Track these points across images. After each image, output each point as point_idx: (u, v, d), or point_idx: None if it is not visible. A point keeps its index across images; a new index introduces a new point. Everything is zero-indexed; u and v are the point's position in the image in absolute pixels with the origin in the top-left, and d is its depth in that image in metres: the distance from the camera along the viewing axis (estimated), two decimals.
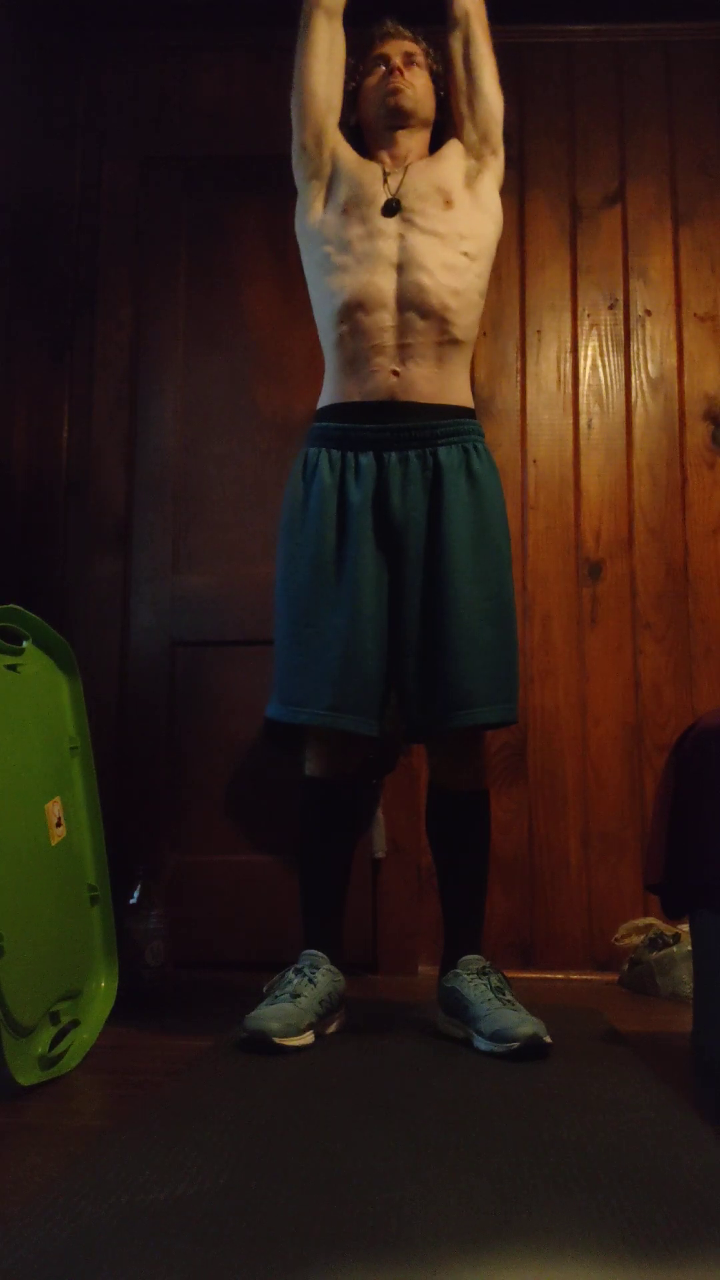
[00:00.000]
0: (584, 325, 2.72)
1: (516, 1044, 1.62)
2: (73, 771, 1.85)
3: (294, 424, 2.67)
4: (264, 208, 2.74)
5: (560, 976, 2.44)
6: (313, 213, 1.99)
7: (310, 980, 1.78)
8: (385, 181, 1.94)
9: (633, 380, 2.70)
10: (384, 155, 2.01)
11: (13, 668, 1.73)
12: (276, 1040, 1.65)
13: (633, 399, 2.69)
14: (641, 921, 2.37)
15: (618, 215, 2.75)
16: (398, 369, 1.85)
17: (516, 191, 2.74)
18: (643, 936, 2.33)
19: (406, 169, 1.96)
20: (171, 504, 2.69)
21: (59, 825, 1.74)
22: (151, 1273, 0.89)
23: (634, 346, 2.71)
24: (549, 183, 2.76)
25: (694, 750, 1.65)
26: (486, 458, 1.89)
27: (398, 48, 2.02)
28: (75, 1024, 1.68)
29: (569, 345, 2.71)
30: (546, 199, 2.76)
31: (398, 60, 2.00)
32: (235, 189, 2.78)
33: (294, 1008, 1.72)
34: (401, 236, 1.88)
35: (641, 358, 2.70)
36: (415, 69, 2.01)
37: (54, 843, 1.72)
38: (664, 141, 2.76)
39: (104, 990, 1.82)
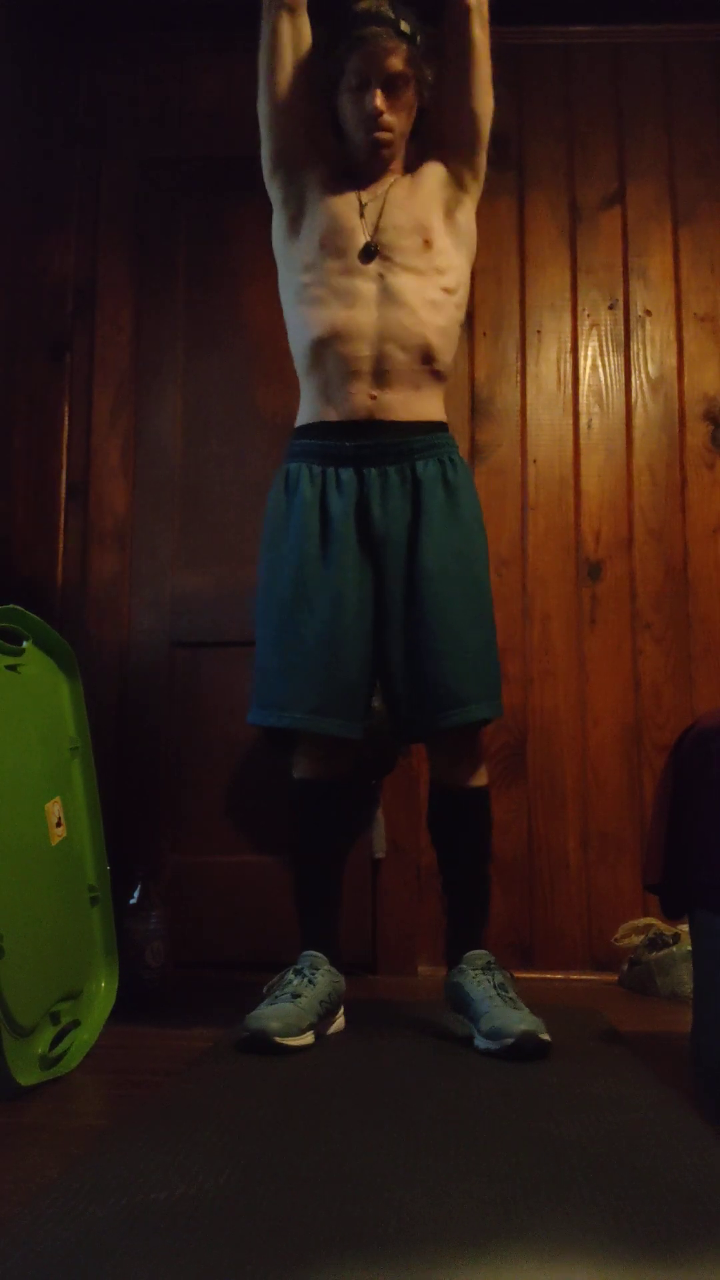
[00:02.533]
0: (584, 325, 2.72)
1: (510, 1040, 1.62)
2: (73, 771, 1.86)
3: (293, 424, 2.67)
4: (264, 208, 2.70)
5: (560, 976, 2.44)
6: (288, 237, 1.97)
7: (310, 981, 1.79)
8: (362, 215, 1.91)
9: (633, 380, 2.70)
10: (362, 176, 1.95)
11: (13, 668, 1.73)
12: (277, 1040, 1.66)
13: (633, 399, 2.69)
14: (641, 921, 2.37)
15: (617, 216, 2.75)
16: (375, 394, 1.87)
17: (516, 192, 2.74)
18: (642, 936, 2.33)
19: (385, 198, 1.91)
20: (171, 504, 2.69)
21: (59, 825, 1.74)
22: (152, 1273, 0.89)
23: (634, 347, 2.71)
24: (548, 183, 2.76)
25: (693, 750, 1.65)
26: (462, 468, 1.92)
27: (382, 64, 1.86)
28: (75, 1024, 1.68)
29: (569, 345, 2.71)
30: (546, 199, 2.76)
31: (377, 94, 1.86)
32: (235, 189, 2.77)
33: (294, 1008, 1.72)
34: (381, 276, 1.88)
35: (641, 358, 2.70)
36: (398, 98, 1.89)
37: (54, 843, 1.72)
38: (663, 142, 2.76)
39: (104, 990, 1.82)
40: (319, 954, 1.86)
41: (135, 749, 2.60)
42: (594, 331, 2.72)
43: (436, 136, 1.96)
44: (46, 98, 2.81)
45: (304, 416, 1.96)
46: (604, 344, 2.71)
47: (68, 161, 2.80)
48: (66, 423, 2.72)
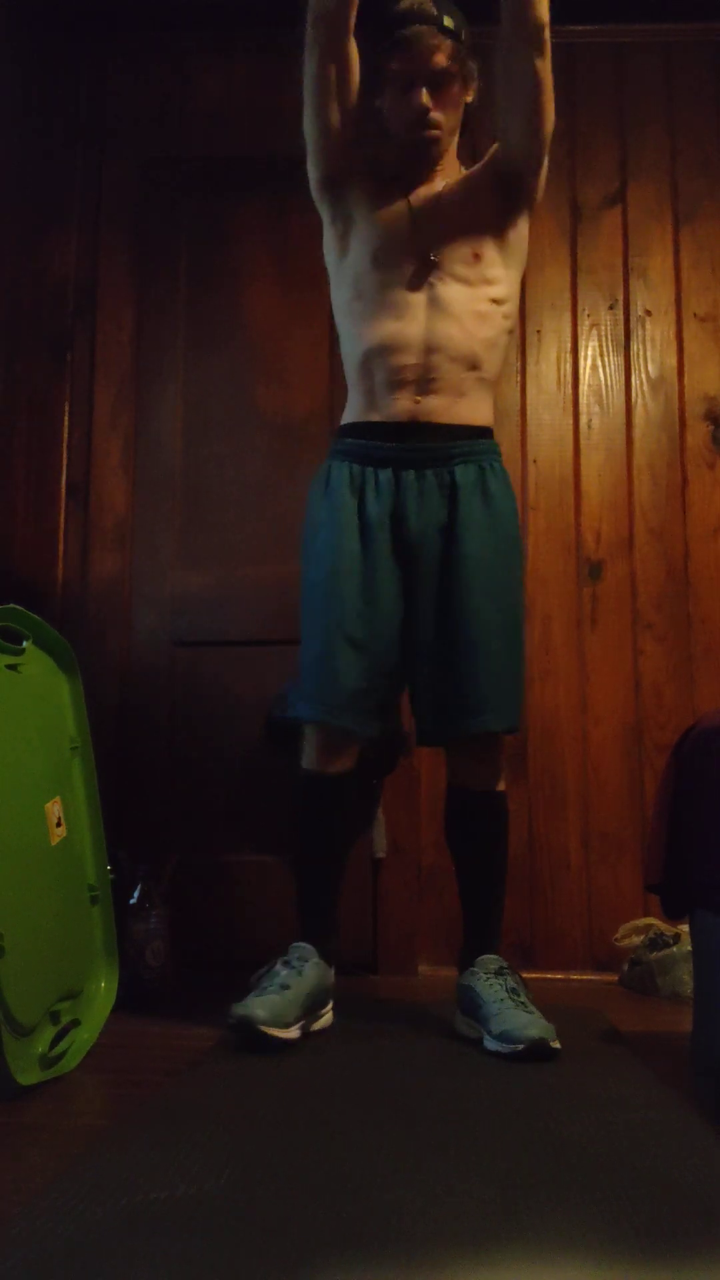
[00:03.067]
0: (584, 325, 2.72)
1: (521, 1046, 1.62)
2: (73, 771, 1.86)
3: (294, 424, 2.67)
4: (264, 208, 2.74)
5: (560, 976, 2.44)
6: (340, 254, 1.95)
7: (298, 972, 1.80)
8: (412, 225, 1.88)
9: (633, 380, 2.69)
10: (411, 180, 1.93)
11: (13, 668, 1.73)
12: (262, 1029, 1.66)
13: (633, 399, 2.69)
14: (641, 921, 2.37)
15: (618, 215, 2.74)
16: (419, 399, 1.87)
17: None
18: (643, 936, 2.33)
19: (437, 207, 1.89)
20: (172, 504, 2.69)
21: (59, 825, 1.74)
22: (151, 1273, 0.89)
23: (634, 346, 2.71)
24: (549, 183, 2.70)
25: (694, 750, 1.65)
26: (502, 476, 1.92)
27: (426, 61, 1.83)
28: (75, 1024, 1.68)
29: (569, 345, 2.71)
30: (547, 199, 2.71)
31: (423, 92, 1.83)
32: (235, 189, 2.77)
33: (281, 999, 1.72)
34: (431, 285, 1.87)
35: (641, 358, 2.70)
36: (444, 95, 1.86)
37: (54, 843, 1.72)
38: (664, 142, 2.76)
39: (104, 990, 1.82)
40: (309, 945, 1.86)
41: (136, 748, 2.60)
42: (594, 331, 2.72)
43: (492, 146, 1.93)
44: (47, 98, 2.81)
45: (348, 416, 1.96)
46: (604, 344, 2.71)
47: (68, 161, 2.80)
48: (67, 422, 2.72)
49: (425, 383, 1.86)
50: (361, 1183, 1.10)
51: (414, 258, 1.87)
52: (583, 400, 2.69)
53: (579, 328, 2.72)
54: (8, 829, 1.58)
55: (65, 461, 2.71)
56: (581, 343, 2.71)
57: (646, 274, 2.72)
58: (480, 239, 1.88)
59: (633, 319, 2.71)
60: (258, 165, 2.75)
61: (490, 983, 1.77)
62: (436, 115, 1.87)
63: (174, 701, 2.62)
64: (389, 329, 1.86)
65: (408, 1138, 1.24)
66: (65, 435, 2.71)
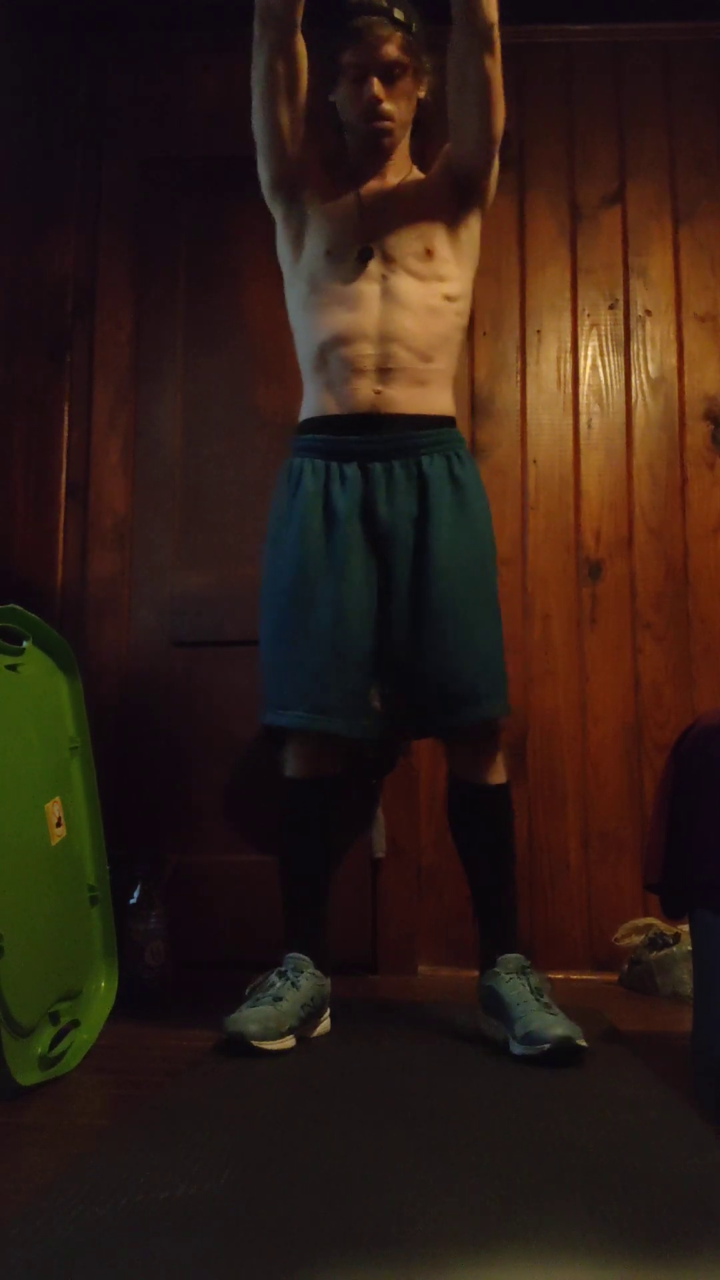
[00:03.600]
0: (584, 325, 2.72)
1: (547, 1045, 1.59)
2: (73, 771, 1.85)
3: (294, 424, 2.66)
4: (264, 208, 2.72)
5: (560, 976, 2.43)
6: (294, 253, 1.96)
7: (293, 984, 1.78)
8: (361, 215, 1.90)
9: (633, 380, 2.70)
10: (363, 173, 1.94)
11: (13, 668, 1.73)
12: (255, 1043, 1.64)
13: (633, 399, 2.69)
14: (641, 921, 2.37)
15: (617, 215, 2.75)
16: (379, 389, 1.86)
17: (516, 191, 2.74)
18: (643, 936, 2.33)
19: (390, 202, 1.90)
20: (171, 504, 2.69)
21: (59, 825, 1.74)
22: (151, 1273, 0.88)
23: (634, 346, 2.71)
24: (548, 183, 2.76)
25: (694, 750, 1.65)
26: (469, 463, 1.91)
27: (378, 52, 1.84)
28: (75, 1024, 1.68)
29: (569, 345, 2.71)
30: (546, 199, 2.76)
31: (375, 82, 1.85)
32: (235, 189, 2.76)
33: (275, 1011, 1.71)
34: (384, 277, 1.88)
35: (641, 358, 2.70)
36: (396, 87, 1.88)
37: (54, 843, 1.72)
38: (663, 141, 2.76)
39: (104, 990, 1.82)
40: (304, 956, 1.84)
41: (135, 748, 2.60)
42: (594, 331, 2.72)
43: (443, 145, 1.94)
44: (46, 98, 2.81)
45: (307, 411, 1.95)
46: (604, 344, 2.71)
47: (68, 161, 2.80)
48: (66, 422, 2.72)
49: (383, 372, 1.85)
50: (361, 1183, 1.10)
51: (360, 250, 1.88)
52: (583, 400, 2.69)
53: (579, 328, 2.72)
54: (8, 829, 1.58)
55: (64, 461, 2.71)
56: (581, 343, 2.72)
57: (646, 274, 2.73)
58: (432, 235, 1.89)
59: (632, 319, 2.72)
60: (257, 165, 2.75)
61: (513, 983, 1.75)
62: (388, 107, 1.88)
63: (173, 701, 2.62)
64: (344, 319, 1.86)
65: (407, 1137, 1.24)
66: (64, 435, 2.71)
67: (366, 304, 1.86)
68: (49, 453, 2.71)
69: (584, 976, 2.46)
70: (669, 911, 1.75)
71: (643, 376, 2.69)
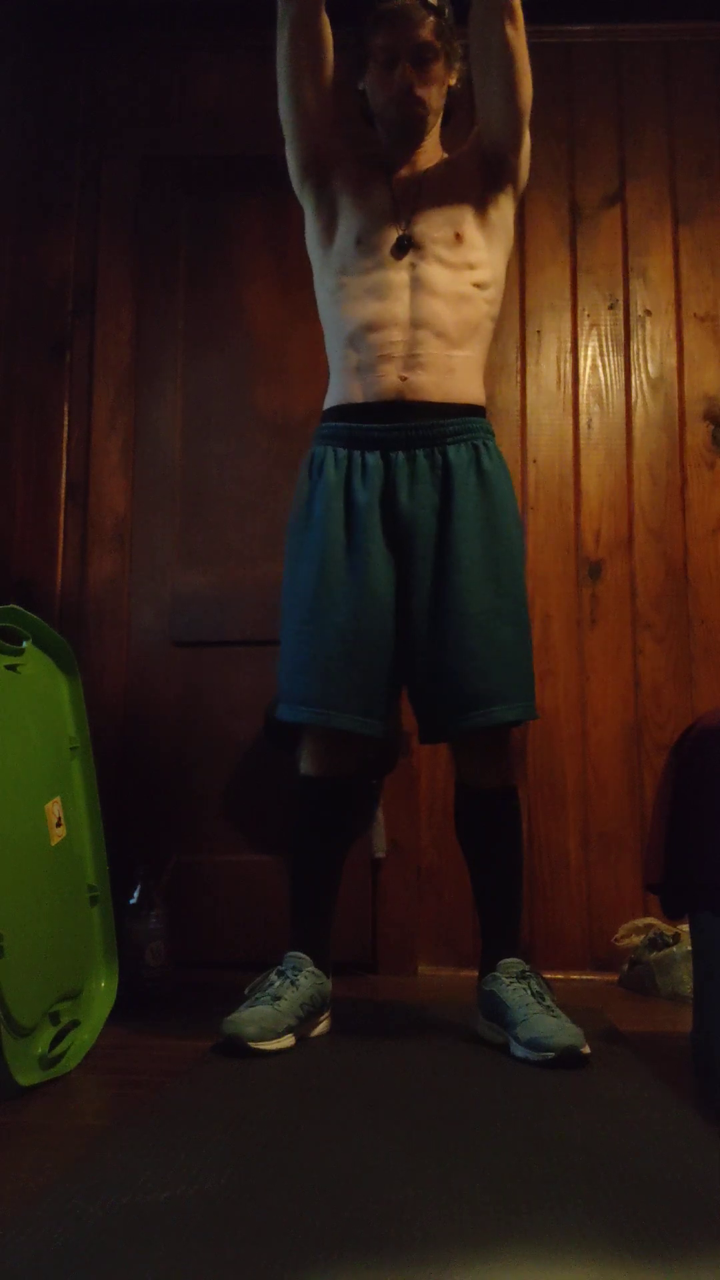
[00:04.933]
0: (584, 325, 2.72)
1: (552, 1054, 1.58)
2: (73, 771, 1.85)
3: (293, 424, 2.67)
4: (264, 208, 2.74)
5: (560, 976, 2.44)
6: (325, 243, 1.93)
7: (292, 983, 1.76)
8: (394, 207, 1.87)
9: (633, 380, 2.70)
10: (394, 161, 1.92)
11: (13, 668, 1.73)
12: (252, 1045, 1.64)
13: (633, 399, 2.69)
14: (641, 921, 2.37)
15: (617, 215, 2.75)
16: (406, 375, 1.82)
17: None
18: (643, 936, 2.33)
19: (420, 188, 1.87)
20: (171, 504, 2.69)
21: (59, 825, 1.74)
22: (152, 1273, 0.88)
23: (634, 346, 2.71)
24: (549, 183, 2.76)
25: (694, 750, 1.65)
26: (496, 455, 1.86)
27: (409, 36, 1.82)
28: (75, 1024, 1.68)
29: (569, 345, 2.71)
30: (546, 199, 2.76)
31: (407, 67, 1.83)
32: (235, 189, 2.77)
33: (273, 1011, 1.70)
34: (413, 265, 1.84)
35: (641, 358, 2.70)
36: (428, 71, 1.85)
37: (54, 843, 1.72)
38: (664, 142, 2.76)
39: (104, 990, 1.82)
40: (303, 955, 1.83)
41: (135, 748, 2.60)
42: (594, 331, 2.72)
43: (474, 127, 1.91)
44: (46, 97, 2.81)
45: (331, 399, 1.90)
46: (604, 344, 2.71)
47: (68, 161, 2.80)
48: (66, 422, 2.72)
49: (411, 358, 1.82)
50: (361, 1183, 1.10)
51: (397, 241, 1.86)
52: (583, 400, 2.69)
53: (579, 328, 2.72)
54: (8, 829, 1.58)
55: (65, 461, 2.71)
56: (581, 343, 2.72)
57: (646, 274, 2.73)
58: (461, 219, 1.86)
59: (633, 319, 2.72)
60: (258, 165, 2.75)
61: (514, 987, 1.73)
62: (420, 92, 1.85)
63: (173, 701, 2.62)
64: (373, 308, 1.84)
65: (407, 1137, 1.24)
66: (65, 435, 2.72)
67: (396, 292, 1.84)
68: (49, 453, 2.71)
69: (584, 976, 2.46)
70: (669, 911, 1.75)
71: (643, 376, 2.69)
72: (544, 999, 1.72)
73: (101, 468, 2.70)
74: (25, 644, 1.80)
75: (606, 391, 2.69)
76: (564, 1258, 0.92)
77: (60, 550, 2.67)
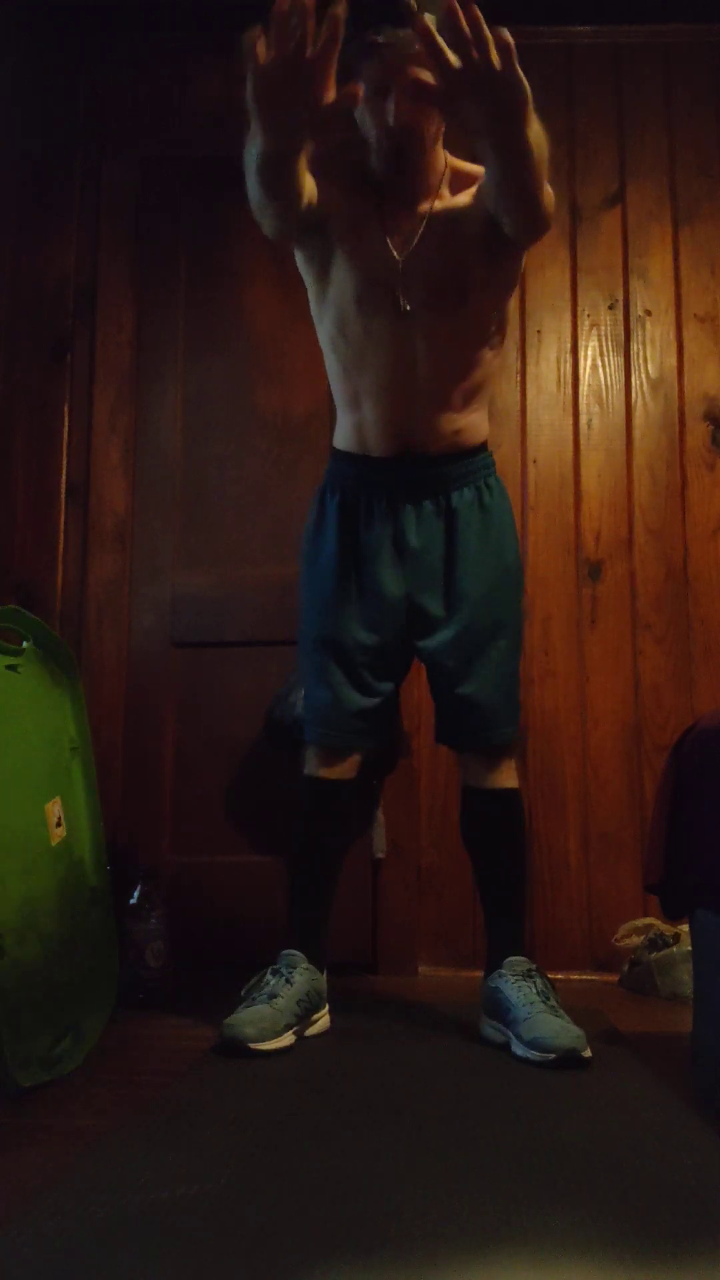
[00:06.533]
0: (584, 325, 2.72)
1: (553, 1056, 1.59)
2: (73, 771, 1.86)
3: (293, 425, 2.67)
4: None
5: (560, 976, 2.43)
6: (319, 297, 1.88)
7: (287, 980, 1.78)
8: (394, 269, 1.76)
9: (633, 380, 2.70)
10: (390, 194, 1.79)
11: (13, 668, 1.73)
12: (252, 1046, 1.64)
13: (633, 399, 2.69)
14: (641, 922, 2.37)
15: (617, 216, 2.75)
16: (411, 430, 1.83)
17: None
18: (643, 937, 2.33)
19: (419, 237, 1.76)
20: (171, 504, 2.69)
21: (59, 825, 1.74)
22: (152, 1273, 0.89)
23: (634, 347, 2.71)
24: (549, 183, 2.75)
25: (694, 751, 1.65)
26: (497, 487, 1.91)
27: (404, 69, 1.66)
28: (75, 1024, 1.68)
29: (569, 345, 2.71)
30: None
31: (401, 100, 1.68)
32: (235, 189, 2.74)
33: (270, 1010, 1.71)
34: (418, 331, 1.78)
35: (641, 358, 2.70)
36: (426, 105, 1.67)
37: (54, 843, 1.72)
38: (664, 143, 2.76)
39: (104, 990, 1.82)
40: (297, 953, 1.84)
41: (135, 749, 2.60)
42: (594, 331, 2.72)
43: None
44: (47, 97, 2.81)
45: (340, 440, 1.92)
46: (604, 344, 2.71)
47: (68, 161, 2.80)
48: (67, 423, 2.72)
49: (415, 423, 1.82)
50: (361, 1183, 1.10)
51: (397, 304, 1.78)
52: (583, 400, 2.69)
53: (579, 328, 2.72)
54: (8, 829, 1.58)
55: (65, 462, 2.71)
56: (581, 343, 2.72)
57: (646, 274, 2.73)
58: (466, 277, 1.78)
59: (633, 319, 2.72)
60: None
61: (519, 986, 1.74)
62: (416, 125, 1.73)
63: (173, 702, 2.62)
64: (375, 376, 1.81)
65: (407, 1138, 1.24)
66: (65, 436, 2.72)
67: (399, 358, 1.79)
68: (50, 453, 2.71)
69: (584, 977, 2.46)
70: (669, 912, 1.75)
71: (643, 377, 2.69)
72: (549, 998, 1.73)
73: (102, 468, 2.70)
74: (25, 644, 1.80)
75: (606, 392, 2.69)
76: (564, 1258, 0.92)
77: (60, 550, 2.68)
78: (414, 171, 1.81)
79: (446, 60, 1.37)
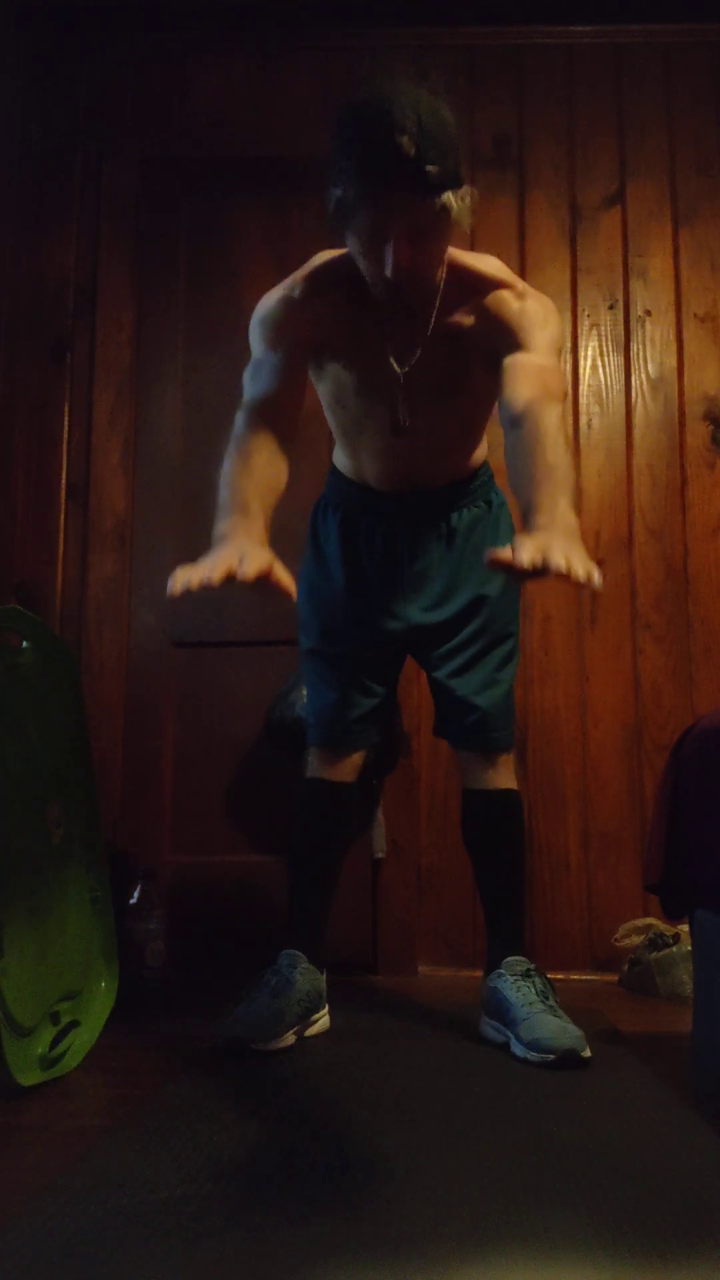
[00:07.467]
0: (584, 325, 2.72)
1: (553, 1056, 1.59)
2: (73, 772, 1.85)
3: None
4: (264, 208, 2.74)
5: (560, 976, 2.43)
6: (332, 405, 1.84)
7: (288, 980, 1.78)
8: (397, 376, 1.71)
9: (633, 380, 2.70)
10: (391, 323, 1.67)
11: (13, 668, 1.73)
12: (252, 1046, 1.65)
13: (633, 399, 2.69)
14: (641, 921, 2.37)
15: (617, 216, 2.75)
16: (410, 478, 1.85)
17: (516, 192, 2.74)
18: (643, 937, 2.33)
19: (420, 352, 1.70)
20: (171, 504, 2.69)
21: (59, 826, 1.74)
22: (151, 1273, 0.89)
23: (634, 347, 2.71)
24: (549, 183, 2.76)
25: (694, 750, 1.65)
26: (497, 502, 1.92)
27: (400, 220, 1.48)
28: (75, 1024, 1.68)
29: (569, 345, 2.71)
30: (546, 200, 2.76)
31: (399, 249, 1.50)
32: (235, 189, 2.78)
33: (269, 1010, 1.72)
34: (415, 419, 1.76)
35: (641, 358, 2.70)
36: (425, 248, 1.53)
37: (54, 843, 1.72)
38: (663, 142, 2.76)
39: (104, 990, 1.82)
40: (297, 952, 1.85)
41: (135, 749, 2.60)
42: (594, 331, 2.72)
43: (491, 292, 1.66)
44: (47, 97, 2.81)
45: (340, 465, 1.94)
46: (604, 344, 2.71)
47: (68, 161, 2.80)
48: (67, 423, 2.72)
49: (414, 473, 1.84)
50: (361, 1183, 1.10)
51: (394, 405, 1.74)
52: (583, 400, 2.69)
53: (579, 328, 2.72)
54: (8, 829, 1.58)
55: (65, 462, 2.71)
56: (581, 343, 2.72)
57: (646, 274, 2.73)
58: (466, 383, 1.75)
59: (632, 319, 2.72)
60: (258, 165, 2.76)
61: (519, 985, 1.75)
62: (415, 272, 1.55)
63: (173, 702, 2.62)
64: (373, 441, 1.83)
65: (408, 1137, 1.24)
66: (65, 436, 2.72)
67: (398, 447, 1.81)
68: (49, 453, 2.71)
69: (584, 977, 2.46)
70: (669, 911, 1.75)
71: (643, 377, 2.69)
72: (548, 998, 1.74)
73: (102, 468, 2.70)
74: (25, 644, 1.80)
75: (606, 392, 2.69)
76: (564, 1258, 0.92)
77: (60, 550, 2.67)
78: (413, 311, 1.66)
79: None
